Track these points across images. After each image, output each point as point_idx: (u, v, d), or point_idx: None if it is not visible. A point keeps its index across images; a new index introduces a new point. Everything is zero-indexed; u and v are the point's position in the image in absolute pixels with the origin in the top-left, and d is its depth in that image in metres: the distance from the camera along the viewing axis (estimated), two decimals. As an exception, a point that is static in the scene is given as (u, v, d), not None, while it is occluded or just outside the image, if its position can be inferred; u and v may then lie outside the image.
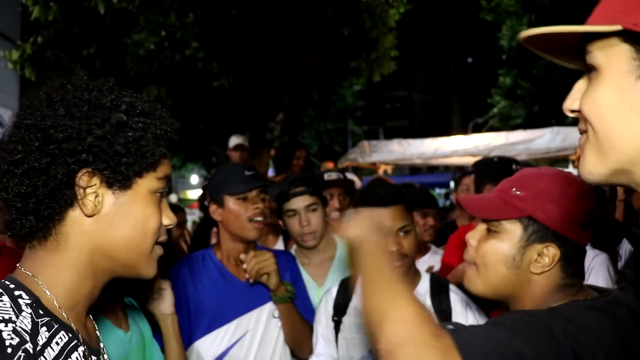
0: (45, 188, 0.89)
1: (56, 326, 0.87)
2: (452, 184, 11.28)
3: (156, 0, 6.55)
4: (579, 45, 0.75)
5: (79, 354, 0.90)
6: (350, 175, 4.40)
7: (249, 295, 2.16)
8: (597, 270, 2.23)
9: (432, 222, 3.16)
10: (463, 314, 1.88)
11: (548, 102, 12.61)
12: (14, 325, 0.81)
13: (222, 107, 7.99)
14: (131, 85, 1.02)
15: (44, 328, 0.85)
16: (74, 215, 0.92)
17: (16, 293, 0.87)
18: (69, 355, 0.88)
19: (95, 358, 0.97)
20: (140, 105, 0.95)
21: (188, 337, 2.09)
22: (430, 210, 3.17)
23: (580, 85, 0.78)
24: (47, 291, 0.91)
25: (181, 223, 3.68)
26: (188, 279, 2.13)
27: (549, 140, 7.08)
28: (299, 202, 2.34)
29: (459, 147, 8.02)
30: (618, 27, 0.67)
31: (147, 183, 0.96)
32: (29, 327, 0.83)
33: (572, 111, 0.78)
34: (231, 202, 2.11)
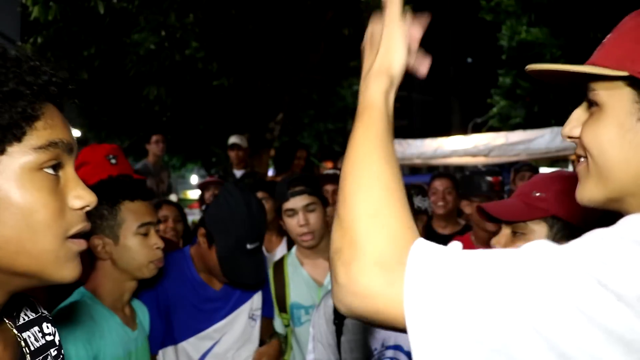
0: None
1: None
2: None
3: (156, 0, 6.55)
4: (579, 76, 0.82)
5: None
6: None
7: (224, 303, 2.18)
8: None
9: None
10: None
11: (548, 102, 12.61)
12: None
13: (222, 107, 7.99)
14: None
15: None
16: None
17: None
18: None
19: None
20: None
21: (171, 339, 2.12)
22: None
23: (578, 114, 0.84)
24: None
25: (166, 218, 3.36)
26: (165, 282, 2.11)
27: (548, 141, 7.08)
28: (298, 202, 2.33)
29: (459, 147, 8.02)
30: (624, 73, 0.74)
31: (17, 159, 0.69)
32: None
33: (570, 137, 0.85)
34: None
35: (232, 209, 2.02)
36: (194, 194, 21.27)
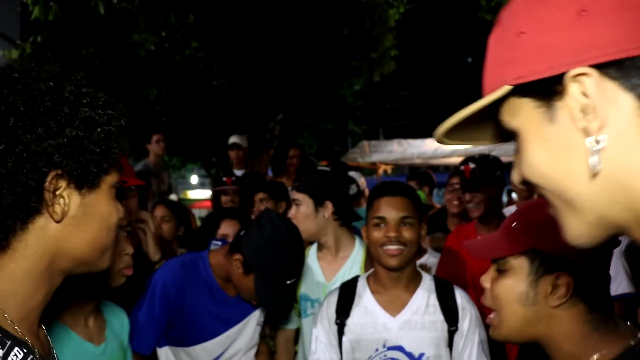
0: (11, 196, 0.79)
1: (9, 343, 0.79)
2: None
3: (156, 1, 6.55)
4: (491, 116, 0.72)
5: None
6: (355, 174, 4.38)
7: (237, 310, 2.23)
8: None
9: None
10: (468, 309, 1.92)
11: (548, 102, 12.62)
12: None
13: (222, 107, 7.98)
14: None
15: None
16: (40, 222, 0.83)
17: None
18: None
19: None
20: (101, 97, 0.87)
21: (184, 341, 2.16)
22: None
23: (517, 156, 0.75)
24: None
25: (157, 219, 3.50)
26: (185, 286, 2.13)
27: (549, 140, 7.08)
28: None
29: (459, 147, 8.02)
30: (506, 89, 0.64)
31: (109, 179, 0.90)
32: None
33: (523, 183, 0.72)
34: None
35: (279, 251, 2.02)
36: (194, 194, 21.28)
